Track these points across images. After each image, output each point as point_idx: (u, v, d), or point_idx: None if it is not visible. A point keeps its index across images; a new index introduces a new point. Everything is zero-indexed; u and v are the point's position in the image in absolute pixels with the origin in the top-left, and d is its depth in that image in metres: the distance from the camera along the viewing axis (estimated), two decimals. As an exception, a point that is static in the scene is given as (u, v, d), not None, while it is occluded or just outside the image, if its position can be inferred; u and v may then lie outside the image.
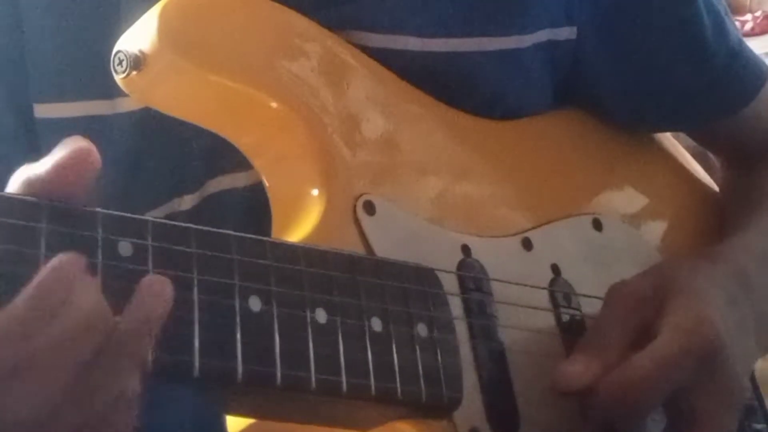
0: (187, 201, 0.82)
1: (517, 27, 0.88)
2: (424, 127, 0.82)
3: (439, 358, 0.71)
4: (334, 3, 0.82)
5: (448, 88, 0.84)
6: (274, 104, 0.75)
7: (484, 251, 0.79)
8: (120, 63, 0.73)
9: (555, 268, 0.84)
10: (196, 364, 0.60)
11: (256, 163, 0.77)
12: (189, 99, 0.75)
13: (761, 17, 3.54)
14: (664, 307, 0.76)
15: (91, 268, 0.58)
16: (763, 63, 0.99)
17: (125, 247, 0.60)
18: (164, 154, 0.82)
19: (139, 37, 0.73)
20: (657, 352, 0.74)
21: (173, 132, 0.80)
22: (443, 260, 0.76)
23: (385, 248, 0.74)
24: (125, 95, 0.76)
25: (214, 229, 0.64)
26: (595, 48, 0.92)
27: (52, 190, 0.59)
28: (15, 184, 0.60)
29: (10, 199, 0.57)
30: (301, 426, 0.69)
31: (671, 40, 0.93)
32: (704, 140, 1.04)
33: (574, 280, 0.84)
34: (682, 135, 1.04)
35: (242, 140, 0.76)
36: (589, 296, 0.83)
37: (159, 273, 0.60)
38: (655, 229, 0.95)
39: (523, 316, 0.79)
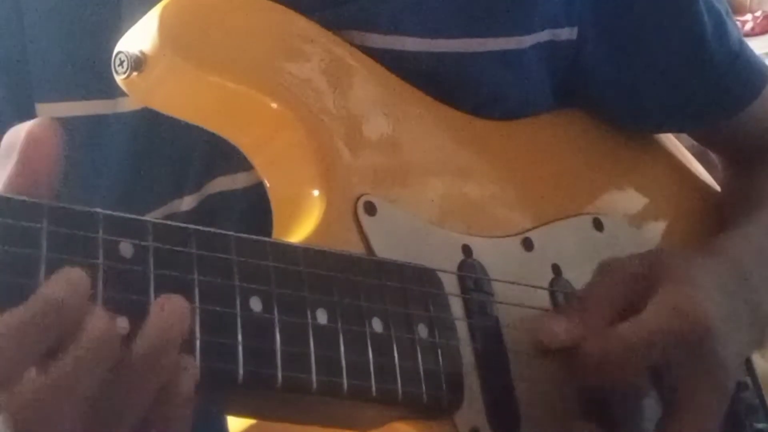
0: (188, 201, 0.83)
1: (517, 27, 0.88)
2: (424, 128, 0.82)
3: (440, 358, 0.71)
4: (334, 3, 0.82)
5: (448, 89, 0.84)
6: (274, 105, 0.75)
7: (484, 251, 0.79)
8: (121, 64, 0.73)
9: (556, 268, 0.84)
10: (197, 365, 0.60)
11: (257, 163, 0.77)
12: (189, 99, 0.75)
13: (761, 17, 3.54)
14: (655, 287, 0.77)
15: (92, 269, 0.58)
16: (764, 64, 0.99)
17: (126, 248, 0.60)
18: (165, 155, 0.82)
19: (139, 37, 0.73)
20: (640, 324, 0.74)
21: (174, 132, 0.80)
22: (444, 261, 0.76)
23: (385, 249, 0.74)
24: (127, 95, 0.76)
25: (215, 230, 0.64)
26: (596, 48, 0.92)
27: (22, 184, 0.59)
28: None
29: (10, 200, 0.57)
30: (302, 427, 0.69)
31: (672, 41, 0.93)
32: (705, 140, 1.04)
33: (575, 280, 0.84)
34: (683, 134, 1.04)
35: (243, 141, 0.76)
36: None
37: (160, 274, 0.60)
38: (656, 229, 0.95)
39: (523, 317, 0.79)
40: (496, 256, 0.80)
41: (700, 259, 0.82)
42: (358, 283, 0.69)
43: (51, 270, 0.56)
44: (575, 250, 0.86)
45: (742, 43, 0.97)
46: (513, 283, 0.80)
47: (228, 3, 0.77)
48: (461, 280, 0.77)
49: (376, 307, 0.69)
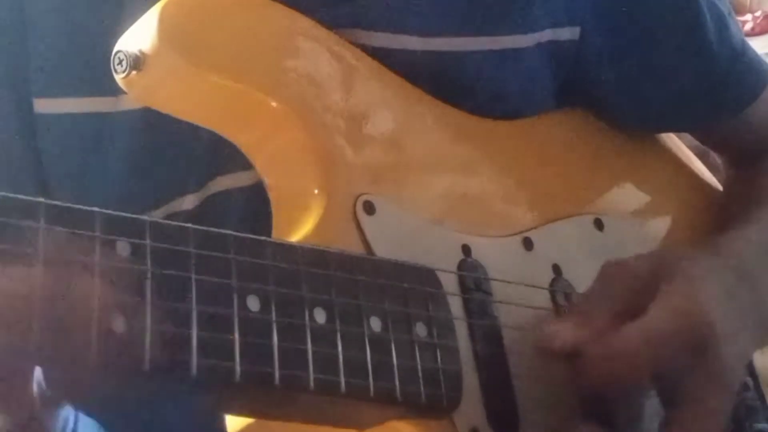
0: (189, 201, 0.83)
1: (518, 26, 0.87)
2: (424, 127, 0.82)
3: (439, 358, 0.71)
4: (334, 2, 0.82)
5: (448, 88, 0.84)
6: (274, 104, 0.75)
7: (484, 251, 0.79)
8: (120, 63, 0.73)
9: (556, 268, 0.84)
10: (194, 364, 0.60)
11: (257, 162, 0.77)
12: (189, 99, 0.75)
13: (761, 17, 3.54)
14: (658, 288, 0.76)
15: (90, 268, 0.58)
16: (766, 64, 0.99)
17: (123, 247, 0.60)
18: (166, 153, 0.82)
19: (139, 36, 0.73)
20: (644, 326, 0.73)
21: (175, 131, 0.80)
22: (443, 260, 0.76)
23: (384, 248, 0.74)
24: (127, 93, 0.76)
25: (213, 229, 0.64)
26: (598, 48, 0.91)
27: None
28: None
29: (7, 199, 0.57)
30: (300, 426, 0.69)
31: (674, 41, 0.93)
32: (707, 139, 1.04)
33: (576, 280, 0.84)
34: (684, 134, 1.04)
35: (243, 140, 0.77)
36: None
37: (158, 274, 0.60)
38: (657, 229, 0.95)
39: (523, 317, 0.79)
40: (496, 256, 0.80)
41: (703, 258, 0.82)
42: (357, 282, 0.69)
43: (48, 268, 0.56)
44: (576, 250, 0.86)
45: (744, 43, 0.97)
46: (513, 282, 0.80)
47: (228, 1, 0.77)
48: (461, 279, 0.77)
49: (374, 306, 0.69)
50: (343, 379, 0.65)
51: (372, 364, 0.67)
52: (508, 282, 0.79)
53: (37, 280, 0.56)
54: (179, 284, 0.61)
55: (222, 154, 0.80)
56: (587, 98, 0.94)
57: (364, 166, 0.77)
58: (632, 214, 0.93)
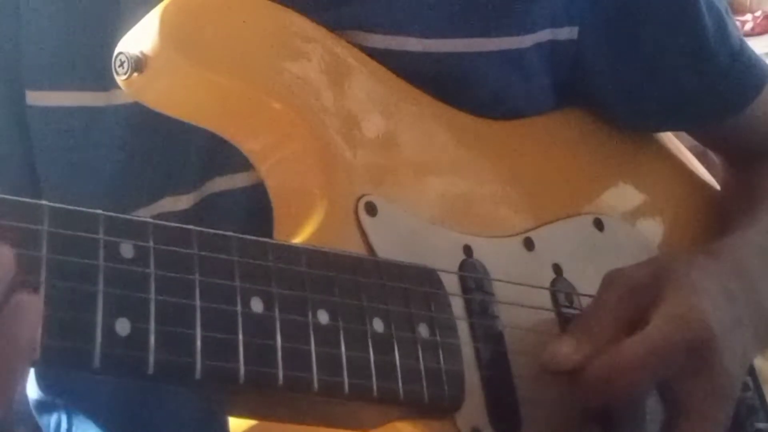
0: (183, 201, 0.82)
1: (517, 27, 0.88)
2: (425, 128, 0.82)
3: (441, 358, 0.71)
4: (334, 3, 0.82)
5: (448, 89, 0.84)
6: (276, 105, 0.75)
7: (485, 251, 0.79)
8: (121, 65, 0.73)
9: (557, 268, 0.84)
10: (198, 365, 0.60)
11: (258, 164, 0.77)
12: (190, 100, 0.75)
13: (761, 17, 3.54)
14: (659, 296, 0.76)
15: (93, 270, 0.58)
16: (765, 63, 0.99)
17: (127, 249, 0.60)
18: (158, 151, 0.82)
19: (140, 38, 0.73)
20: (647, 338, 0.74)
21: (169, 129, 0.79)
22: (445, 260, 0.76)
23: (386, 249, 0.74)
24: (120, 87, 0.76)
25: (216, 231, 0.64)
26: (597, 48, 0.91)
27: None
28: None
29: (11, 202, 0.57)
30: (303, 426, 0.69)
31: (673, 41, 0.93)
32: (705, 139, 1.04)
33: (576, 280, 0.84)
34: (683, 133, 1.04)
35: (244, 141, 0.77)
36: (591, 296, 0.83)
37: (161, 275, 0.60)
38: (657, 229, 0.95)
39: (524, 316, 0.79)
40: (497, 256, 0.80)
41: (703, 262, 0.82)
42: (359, 283, 0.69)
43: (52, 271, 0.56)
44: (576, 250, 0.86)
45: (742, 43, 0.97)
46: (514, 283, 0.80)
47: (229, 3, 0.77)
48: (462, 280, 0.77)
49: (377, 307, 0.69)
50: (346, 380, 0.66)
51: (375, 365, 0.67)
52: (510, 282, 0.79)
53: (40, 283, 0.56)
54: (183, 286, 0.61)
55: (220, 155, 0.80)
56: (587, 98, 0.94)
57: (366, 167, 0.77)
58: (632, 214, 0.93)
